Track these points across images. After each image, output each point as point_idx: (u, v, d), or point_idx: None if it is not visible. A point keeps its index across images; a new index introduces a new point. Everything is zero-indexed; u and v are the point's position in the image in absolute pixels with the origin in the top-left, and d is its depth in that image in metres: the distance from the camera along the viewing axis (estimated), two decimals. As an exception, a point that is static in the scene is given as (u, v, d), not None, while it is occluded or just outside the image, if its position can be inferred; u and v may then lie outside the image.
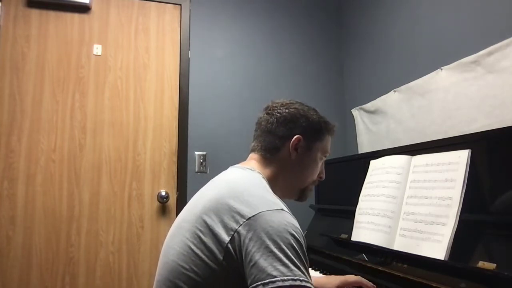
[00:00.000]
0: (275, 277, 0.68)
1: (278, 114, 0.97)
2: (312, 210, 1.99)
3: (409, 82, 1.89)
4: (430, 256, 1.03)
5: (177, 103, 2.23)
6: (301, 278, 0.70)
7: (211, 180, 0.95)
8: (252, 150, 1.00)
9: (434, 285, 1.00)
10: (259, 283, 0.69)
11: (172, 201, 2.14)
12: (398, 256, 1.18)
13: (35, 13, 2.07)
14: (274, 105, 1.00)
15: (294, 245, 0.73)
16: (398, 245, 1.18)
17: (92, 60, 2.13)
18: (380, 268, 1.21)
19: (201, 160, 2.22)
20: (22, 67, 2.02)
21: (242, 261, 0.73)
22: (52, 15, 2.10)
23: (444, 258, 1.00)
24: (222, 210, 0.78)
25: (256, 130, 1.01)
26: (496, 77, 1.42)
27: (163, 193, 2.12)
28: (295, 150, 0.95)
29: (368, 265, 1.28)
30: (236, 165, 0.97)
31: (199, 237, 0.78)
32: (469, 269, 0.95)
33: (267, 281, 0.68)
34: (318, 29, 2.59)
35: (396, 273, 1.13)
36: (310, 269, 1.49)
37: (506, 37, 1.39)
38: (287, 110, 0.97)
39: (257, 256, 0.71)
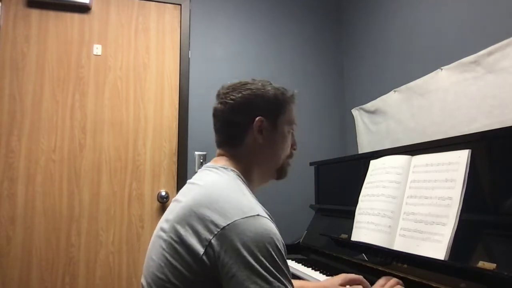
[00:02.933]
0: None
1: (232, 101, 0.90)
2: (312, 210, 1.99)
3: (409, 82, 1.89)
4: (430, 256, 1.03)
5: (177, 103, 2.23)
6: None
7: (188, 181, 0.90)
8: (219, 146, 0.95)
9: (434, 285, 1.00)
10: None
11: (172, 201, 2.14)
12: (398, 256, 1.18)
13: (35, 13, 2.07)
14: (225, 91, 0.93)
15: (272, 253, 0.70)
16: (398, 245, 1.18)
17: (92, 60, 2.13)
18: (380, 268, 1.21)
19: (201, 160, 2.22)
20: (22, 67, 2.02)
21: (218, 272, 0.71)
22: (52, 15, 2.10)
23: (444, 258, 1.00)
24: (195, 219, 0.75)
25: (215, 124, 0.95)
26: (496, 77, 1.42)
27: (163, 193, 2.12)
28: (260, 133, 0.89)
29: (368, 265, 1.28)
30: (209, 164, 0.92)
31: (175, 248, 0.75)
32: (469, 269, 0.95)
33: None
34: (318, 29, 2.59)
35: (396, 273, 1.13)
36: (309, 269, 1.50)
37: (506, 37, 1.39)
38: (240, 94, 0.90)
39: (234, 269, 0.68)
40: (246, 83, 0.93)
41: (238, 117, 0.90)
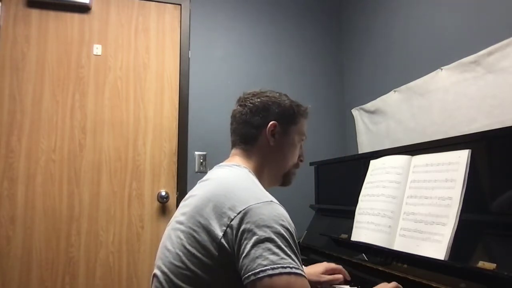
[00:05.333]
0: (265, 266, 0.71)
1: (251, 105, 0.99)
2: (312, 210, 1.99)
3: (409, 82, 1.89)
4: (430, 256, 1.03)
5: (177, 103, 2.23)
6: (291, 266, 0.73)
7: (199, 181, 0.96)
8: (233, 145, 1.02)
9: (434, 285, 1.00)
10: (250, 273, 0.72)
11: (172, 201, 2.14)
12: (398, 256, 1.17)
13: (35, 13, 2.07)
14: (246, 96, 1.03)
15: (284, 234, 0.76)
16: (398, 245, 1.18)
17: (92, 60, 2.13)
18: (380, 268, 1.21)
19: (201, 160, 2.22)
20: (22, 67, 2.02)
21: (235, 254, 0.76)
22: (52, 15, 2.10)
23: (444, 258, 1.00)
24: (214, 207, 0.80)
25: (232, 124, 1.03)
26: (496, 77, 1.42)
27: (163, 193, 2.12)
28: (272, 136, 0.97)
29: (368, 265, 1.28)
30: (221, 163, 0.99)
31: (194, 237, 0.80)
32: (469, 269, 0.95)
33: (258, 270, 0.71)
34: (318, 29, 2.59)
35: (396, 273, 1.13)
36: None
37: (506, 37, 1.39)
38: (259, 100, 1.00)
39: (248, 247, 0.73)
40: (265, 91, 1.03)
41: (254, 119, 0.98)
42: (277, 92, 1.04)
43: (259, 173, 0.96)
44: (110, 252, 2.02)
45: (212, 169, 0.99)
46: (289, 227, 0.78)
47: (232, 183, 0.86)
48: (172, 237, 0.85)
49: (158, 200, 2.12)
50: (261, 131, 0.97)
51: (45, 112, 2.02)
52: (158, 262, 0.87)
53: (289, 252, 0.74)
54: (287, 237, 0.76)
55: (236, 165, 0.94)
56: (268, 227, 0.74)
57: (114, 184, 2.07)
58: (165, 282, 0.81)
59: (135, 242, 2.06)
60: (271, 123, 0.97)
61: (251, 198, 0.79)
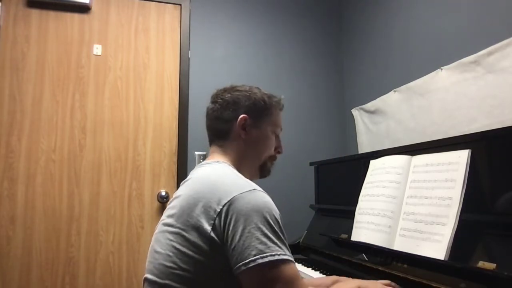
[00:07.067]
0: (254, 256, 0.73)
1: (221, 100, 1.01)
2: (312, 210, 1.99)
3: (409, 82, 1.89)
4: (430, 256, 1.03)
5: (177, 103, 2.23)
6: (278, 253, 0.74)
7: (182, 182, 0.97)
8: (210, 142, 1.04)
9: (434, 285, 1.00)
10: (240, 263, 0.73)
11: (172, 201, 2.14)
12: (398, 256, 1.18)
13: (35, 13, 2.07)
14: (217, 93, 1.04)
15: (270, 220, 0.77)
16: (398, 245, 1.18)
17: (92, 60, 2.13)
18: (380, 268, 1.21)
19: (201, 160, 2.22)
20: (22, 67, 2.02)
21: (225, 245, 0.77)
22: (52, 15, 2.09)
23: (444, 258, 1.00)
24: (200, 204, 0.81)
25: (206, 122, 1.05)
26: (496, 77, 1.42)
27: (163, 193, 2.12)
28: (243, 129, 0.98)
29: (368, 265, 1.28)
30: (202, 162, 1.01)
31: (183, 236, 0.80)
32: (469, 269, 0.95)
33: (247, 260, 0.73)
34: (318, 29, 2.59)
35: (396, 273, 1.13)
36: (309, 269, 1.50)
37: (506, 37, 1.39)
38: (229, 95, 1.01)
39: (236, 238, 0.75)
40: (236, 86, 1.04)
41: (225, 114, 1.00)
42: (248, 86, 1.04)
43: (237, 167, 0.97)
44: (110, 252, 2.02)
45: (194, 168, 1.01)
46: (273, 213, 0.79)
47: (214, 178, 0.87)
48: (161, 240, 0.85)
49: (158, 200, 2.12)
50: (232, 125, 0.98)
51: (45, 112, 2.02)
52: (149, 266, 0.87)
53: (275, 239, 0.76)
54: (272, 223, 0.77)
55: (215, 162, 0.96)
56: (254, 215, 0.76)
57: (114, 184, 2.07)
58: (157, 285, 0.81)
59: (135, 242, 2.06)
60: (241, 116, 0.98)
61: (234, 188, 0.80)
